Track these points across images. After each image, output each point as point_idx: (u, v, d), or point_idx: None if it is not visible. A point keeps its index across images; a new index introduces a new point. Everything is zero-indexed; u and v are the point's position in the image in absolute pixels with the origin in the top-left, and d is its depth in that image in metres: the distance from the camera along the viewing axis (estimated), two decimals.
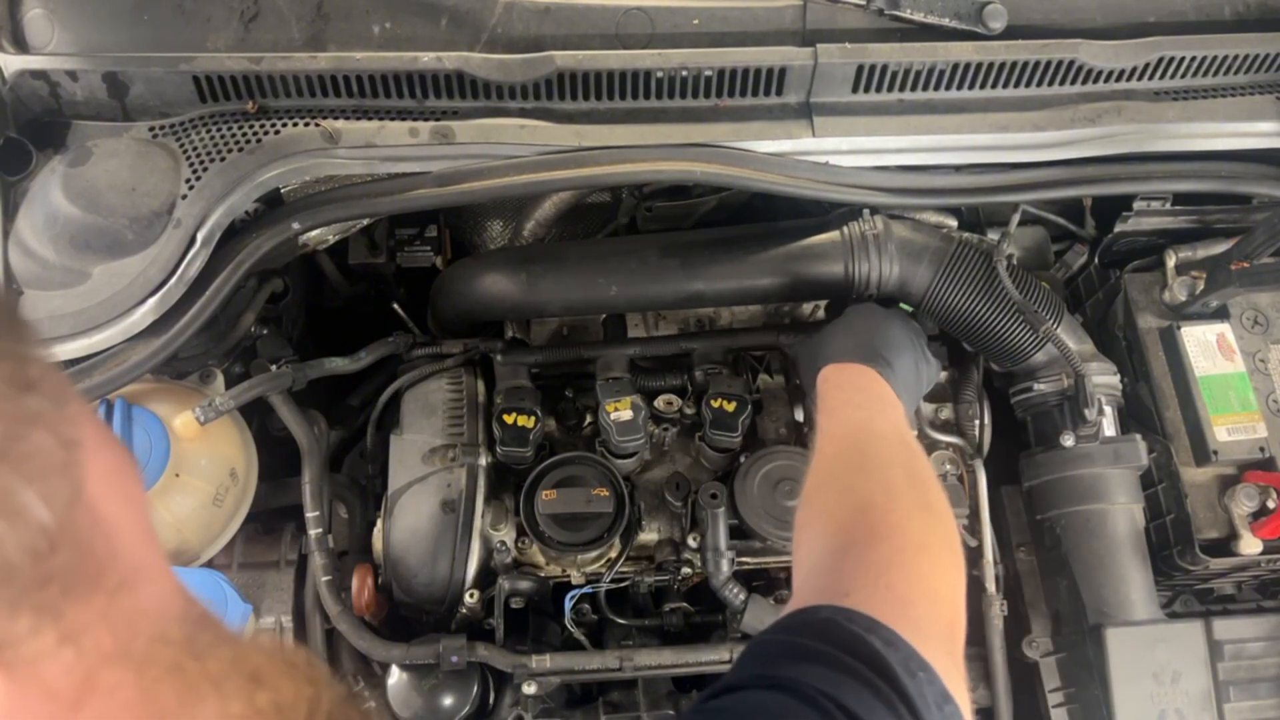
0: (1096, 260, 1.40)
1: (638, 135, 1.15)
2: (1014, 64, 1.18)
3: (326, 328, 1.52)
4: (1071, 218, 1.41)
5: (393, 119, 1.13)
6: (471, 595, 1.19)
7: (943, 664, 0.64)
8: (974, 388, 1.34)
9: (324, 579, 1.18)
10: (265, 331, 1.32)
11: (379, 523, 1.23)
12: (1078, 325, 1.28)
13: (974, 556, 1.27)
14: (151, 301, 1.05)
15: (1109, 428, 1.22)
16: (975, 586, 1.26)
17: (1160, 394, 1.26)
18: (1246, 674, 1.15)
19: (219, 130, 1.11)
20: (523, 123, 1.14)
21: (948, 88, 1.19)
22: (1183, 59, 1.21)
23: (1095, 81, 1.21)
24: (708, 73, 1.14)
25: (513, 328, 1.39)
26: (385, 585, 1.21)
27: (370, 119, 1.13)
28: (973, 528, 1.27)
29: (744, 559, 1.23)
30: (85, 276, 1.05)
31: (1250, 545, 1.16)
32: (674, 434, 1.31)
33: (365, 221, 1.24)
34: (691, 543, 1.21)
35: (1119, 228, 1.35)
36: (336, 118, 1.13)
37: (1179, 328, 1.27)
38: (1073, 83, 1.21)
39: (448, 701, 1.15)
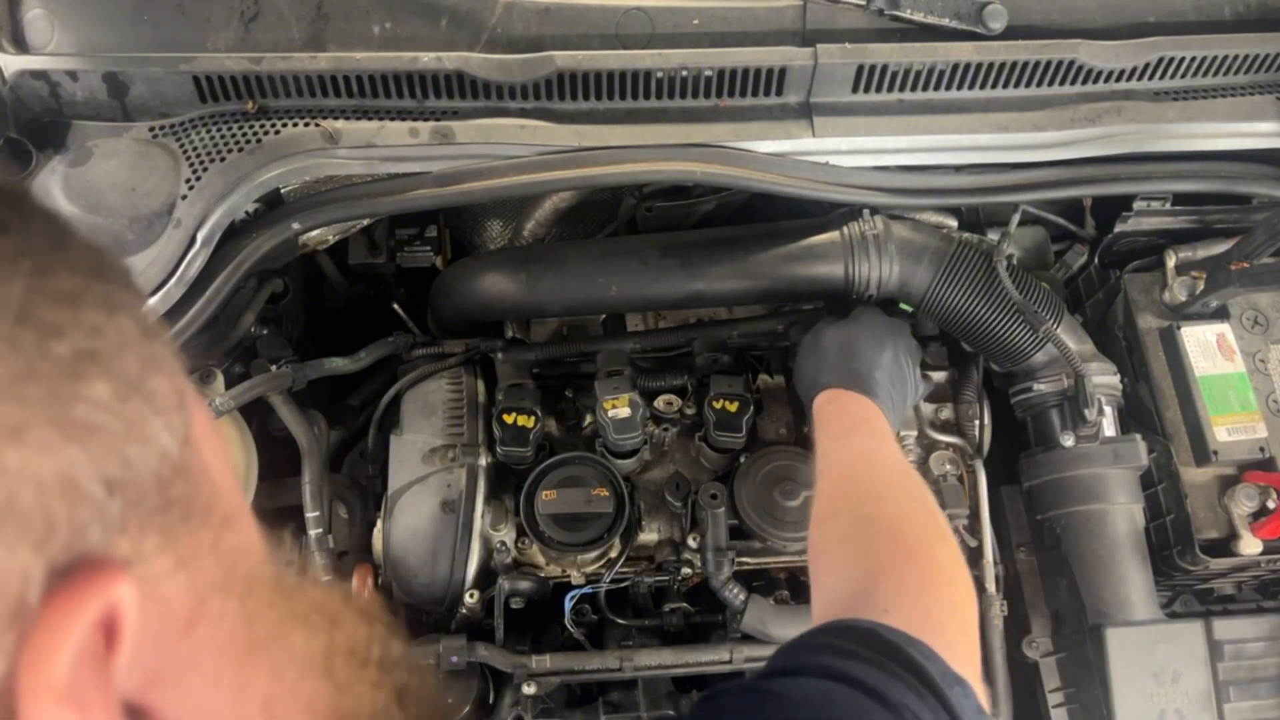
0: (1096, 260, 1.40)
1: (638, 135, 1.15)
2: (1014, 64, 1.18)
3: (326, 328, 1.52)
4: (1071, 218, 1.41)
5: (393, 119, 1.13)
6: (471, 595, 1.19)
7: (971, 680, 0.65)
8: (974, 388, 1.34)
9: (324, 579, 1.18)
10: (265, 331, 1.32)
11: (379, 523, 1.23)
12: (1078, 325, 1.28)
13: (974, 556, 1.27)
14: (151, 302, 1.05)
15: (1109, 428, 1.22)
16: (975, 586, 1.26)
17: (1160, 394, 1.26)
18: (1246, 674, 1.15)
19: (219, 130, 1.11)
20: (523, 123, 1.14)
21: (948, 88, 1.19)
22: (1183, 59, 1.21)
23: (1095, 81, 1.21)
24: (708, 73, 1.14)
25: (513, 328, 1.39)
26: (385, 585, 1.21)
27: (370, 119, 1.13)
28: (973, 528, 1.27)
29: (744, 559, 1.23)
30: None
31: (1250, 545, 1.16)
32: (674, 434, 1.31)
33: (365, 221, 1.24)
34: (691, 543, 1.21)
35: (1119, 228, 1.35)
36: (336, 118, 1.13)
37: (1179, 328, 1.27)
38: (1073, 83, 1.21)
39: (448, 701, 1.15)
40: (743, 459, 1.24)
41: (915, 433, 1.32)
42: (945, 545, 0.84)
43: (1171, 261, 1.30)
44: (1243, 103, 1.22)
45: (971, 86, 1.19)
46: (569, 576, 1.25)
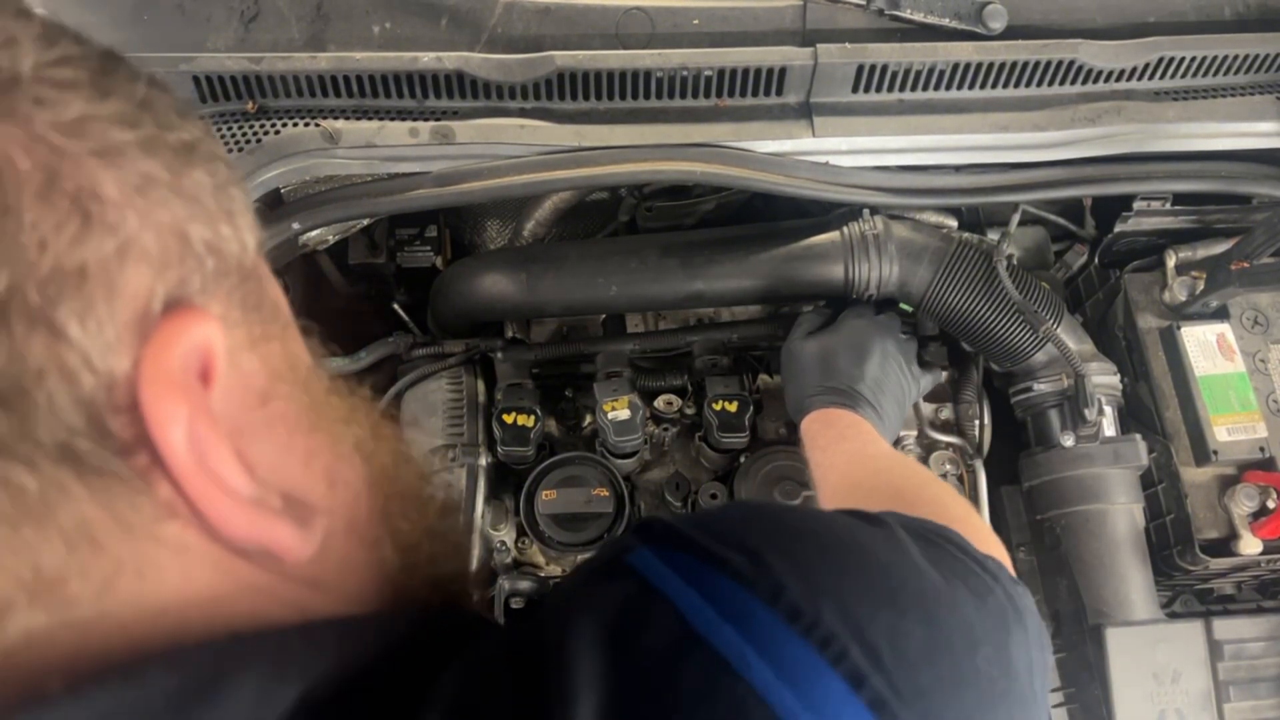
0: (1096, 260, 1.40)
1: (638, 135, 1.15)
2: (1014, 64, 1.18)
3: (326, 328, 1.52)
4: (1071, 218, 1.41)
5: (393, 119, 1.13)
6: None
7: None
8: (974, 388, 1.34)
9: None
10: None
11: None
12: (1078, 325, 1.28)
13: None
14: None
15: (1109, 428, 1.22)
16: None
17: (1160, 394, 1.26)
18: (1246, 674, 1.15)
19: (219, 130, 1.11)
20: (523, 123, 1.14)
21: (948, 88, 1.19)
22: (1183, 59, 1.21)
23: (1095, 81, 1.21)
24: (708, 73, 1.14)
25: (513, 328, 1.39)
26: None
27: (370, 119, 1.13)
28: None
29: None
30: None
31: (1250, 545, 1.16)
32: (674, 434, 1.31)
33: (365, 221, 1.24)
34: None
35: (1119, 228, 1.35)
36: (336, 118, 1.13)
37: (1179, 328, 1.27)
38: (1073, 83, 1.21)
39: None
40: (743, 459, 1.24)
41: (915, 433, 1.32)
42: (955, 500, 0.84)
43: (1171, 261, 1.30)
44: (1243, 103, 1.22)
45: (971, 86, 1.19)
46: None
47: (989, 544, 0.74)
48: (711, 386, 1.25)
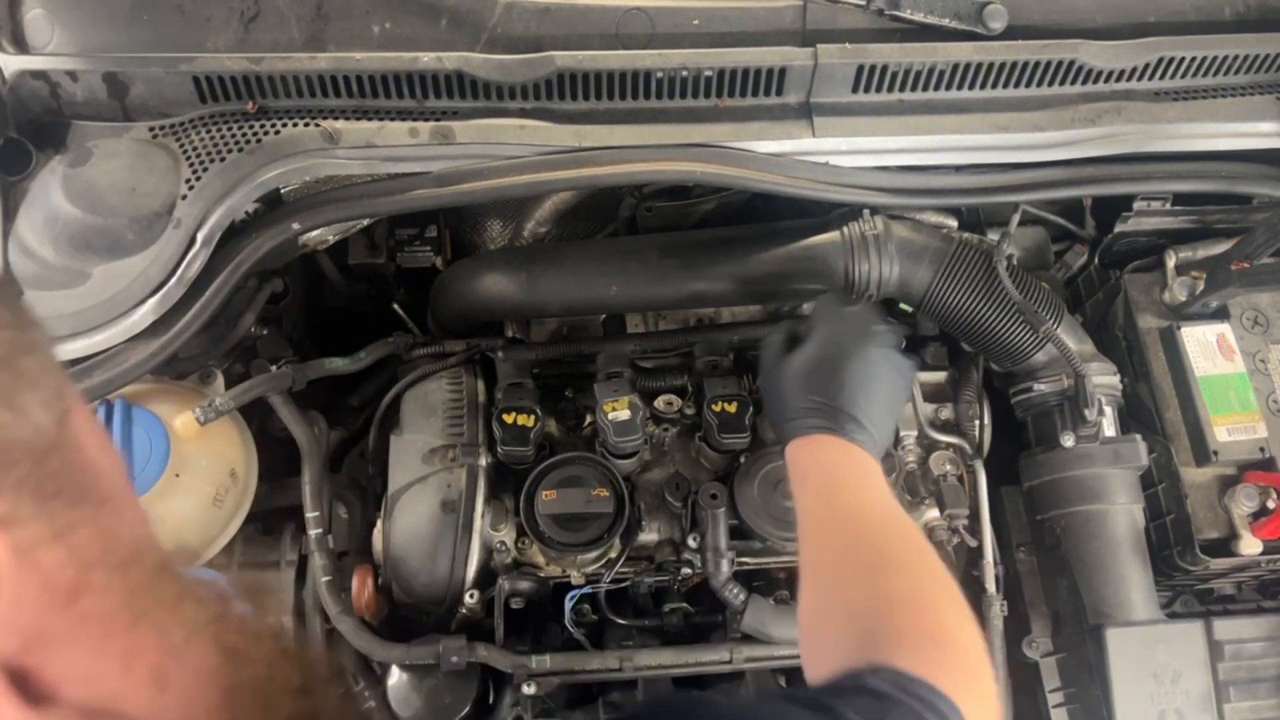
0: (1096, 260, 1.40)
1: (638, 135, 1.15)
2: (1014, 64, 1.18)
3: (326, 328, 1.52)
4: (1071, 218, 1.41)
5: (393, 119, 1.13)
6: (471, 595, 1.19)
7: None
8: (974, 388, 1.33)
9: (324, 579, 1.17)
10: (265, 331, 1.32)
11: (379, 523, 1.23)
12: (1078, 325, 1.28)
13: (974, 556, 1.27)
14: (151, 302, 1.05)
15: (1109, 428, 1.22)
16: (975, 586, 1.26)
17: (1160, 394, 1.26)
18: (1246, 674, 1.15)
19: (219, 130, 1.11)
20: (523, 123, 1.14)
21: (948, 88, 1.19)
22: (1183, 59, 1.21)
23: (1095, 81, 1.21)
24: (708, 73, 1.14)
25: (513, 328, 1.39)
26: (385, 585, 1.21)
27: (370, 119, 1.13)
28: (973, 528, 1.27)
29: (744, 559, 1.23)
30: (85, 277, 1.05)
31: (1250, 545, 1.16)
32: (674, 434, 1.31)
33: (365, 221, 1.24)
34: (691, 543, 1.21)
35: (1119, 228, 1.35)
36: (336, 118, 1.13)
37: (1179, 328, 1.27)
38: (1073, 83, 1.21)
39: (448, 702, 1.15)
40: (743, 459, 1.24)
41: (915, 433, 1.32)
42: (930, 573, 0.80)
43: (1171, 261, 1.30)
44: (1243, 103, 1.22)
45: (971, 86, 1.19)
46: (569, 576, 1.25)
47: (958, 626, 0.72)
48: (711, 387, 1.25)
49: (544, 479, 1.20)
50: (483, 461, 1.23)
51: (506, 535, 1.22)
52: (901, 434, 1.31)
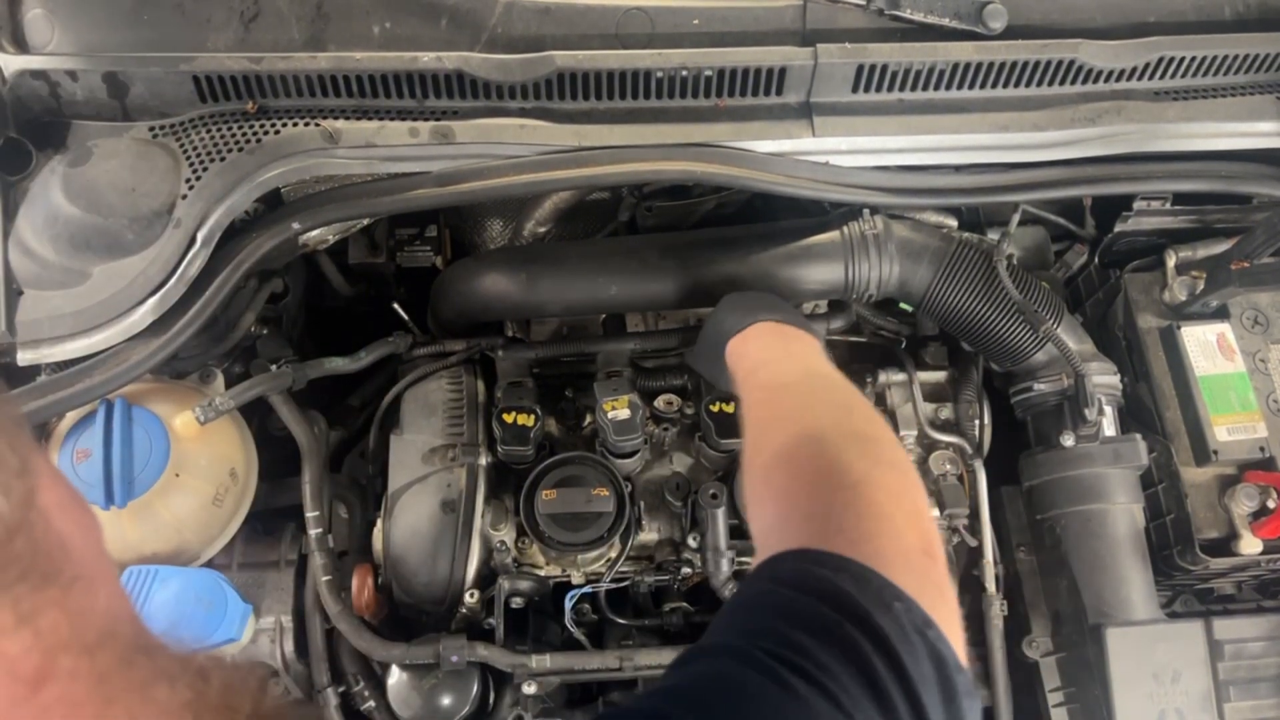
0: (1096, 260, 1.40)
1: (638, 135, 1.15)
2: (1014, 64, 1.18)
3: (326, 328, 1.52)
4: (1071, 218, 1.41)
5: (393, 119, 1.13)
6: (471, 595, 1.19)
7: (917, 587, 0.63)
8: (974, 388, 1.34)
9: (324, 579, 1.18)
10: (265, 331, 1.32)
11: (379, 523, 1.23)
12: (1078, 325, 1.28)
13: (974, 556, 1.27)
14: (151, 301, 1.05)
15: (1109, 428, 1.22)
16: (975, 586, 1.26)
17: (1160, 394, 1.26)
18: (1246, 674, 1.15)
19: (219, 130, 1.11)
20: (523, 123, 1.14)
21: (948, 88, 1.19)
22: (1183, 59, 1.21)
23: (1095, 81, 1.21)
24: (708, 73, 1.14)
25: (513, 328, 1.39)
26: (385, 585, 1.22)
27: (370, 119, 1.13)
28: (973, 528, 1.27)
29: (744, 559, 1.23)
30: (85, 276, 1.05)
31: (1250, 545, 1.16)
32: (674, 434, 1.31)
33: (365, 221, 1.24)
34: (691, 543, 1.21)
35: (1119, 228, 1.35)
36: (336, 118, 1.13)
37: (1179, 328, 1.27)
38: (1073, 83, 1.21)
39: (447, 701, 1.15)
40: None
41: (915, 432, 1.32)
42: (856, 443, 0.77)
43: (1171, 261, 1.30)
44: (1243, 103, 1.22)
45: (971, 86, 1.19)
46: (569, 576, 1.25)
47: (900, 542, 0.69)
48: (709, 388, 1.25)
49: (544, 478, 1.20)
50: (483, 461, 1.23)
51: (506, 535, 1.22)
52: (902, 433, 1.31)
